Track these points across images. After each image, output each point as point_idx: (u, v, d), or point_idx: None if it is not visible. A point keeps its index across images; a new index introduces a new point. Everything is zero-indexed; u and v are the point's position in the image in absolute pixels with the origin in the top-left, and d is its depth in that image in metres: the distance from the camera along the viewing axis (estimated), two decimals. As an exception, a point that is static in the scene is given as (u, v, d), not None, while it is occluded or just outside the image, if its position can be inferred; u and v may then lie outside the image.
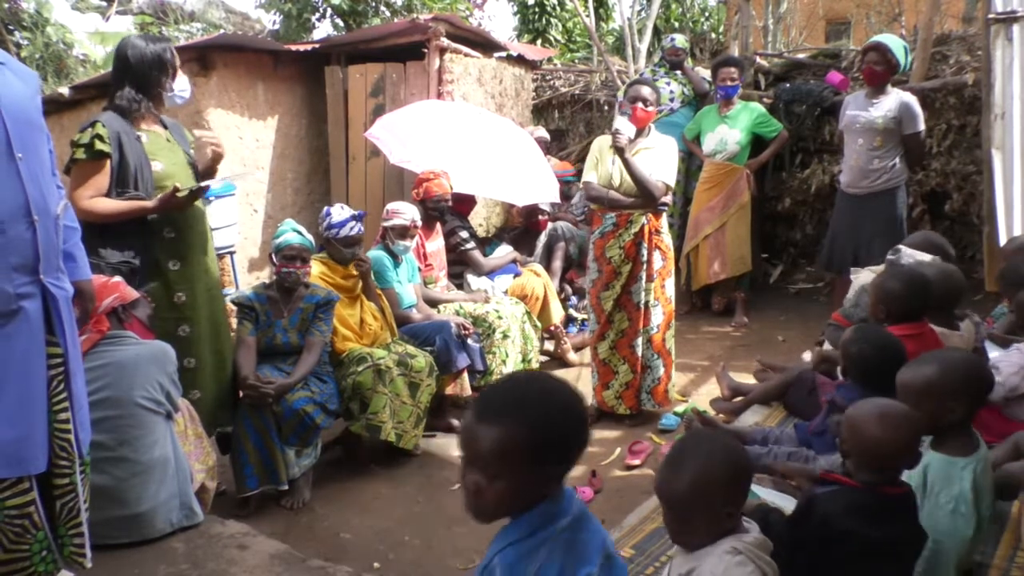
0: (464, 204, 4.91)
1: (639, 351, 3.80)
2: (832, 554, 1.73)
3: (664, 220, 3.81)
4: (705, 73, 5.92)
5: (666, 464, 1.61)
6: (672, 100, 5.83)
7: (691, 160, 5.84)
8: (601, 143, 3.79)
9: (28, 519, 1.95)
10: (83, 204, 2.69)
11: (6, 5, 10.04)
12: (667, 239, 3.82)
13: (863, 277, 3.52)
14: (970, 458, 1.92)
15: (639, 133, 3.68)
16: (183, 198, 2.78)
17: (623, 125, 3.53)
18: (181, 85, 2.96)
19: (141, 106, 2.84)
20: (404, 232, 3.90)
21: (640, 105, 3.63)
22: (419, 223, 3.98)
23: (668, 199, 3.79)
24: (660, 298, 3.81)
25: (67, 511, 2.06)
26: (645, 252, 3.71)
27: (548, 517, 1.31)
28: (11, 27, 10.33)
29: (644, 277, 3.74)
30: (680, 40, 6.01)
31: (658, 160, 3.66)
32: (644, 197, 3.64)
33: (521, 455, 1.26)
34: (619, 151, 3.53)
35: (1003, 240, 3.93)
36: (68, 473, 2.03)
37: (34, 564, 1.98)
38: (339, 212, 3.56)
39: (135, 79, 2.84)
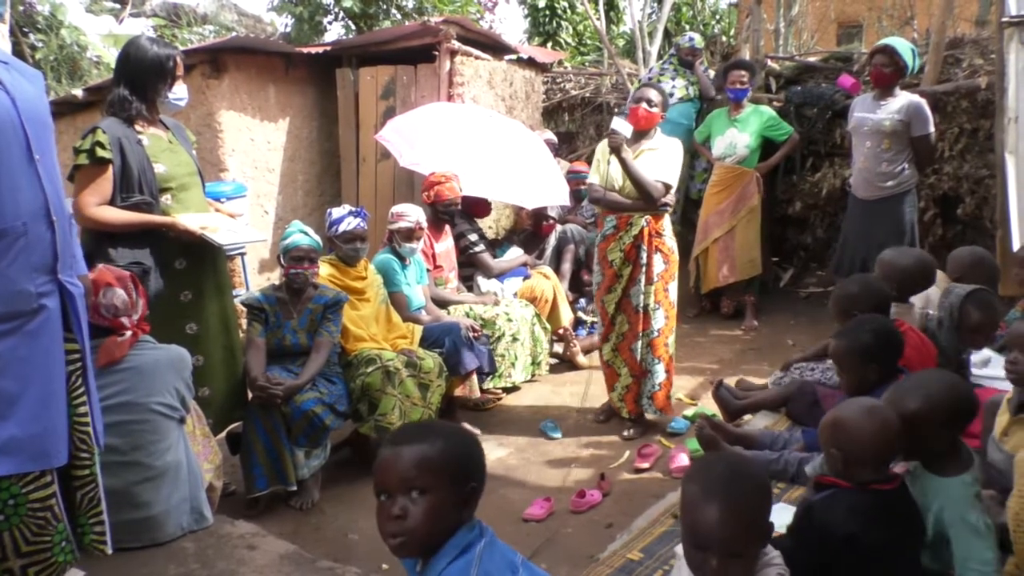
0: (478, 207, 4.91)
1: (638, 355, 3.74)
2: (837, 559, 1.72)
3: (667, 222, 3.75)
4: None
5: (713, 514, 1.40)
6: (671, 96, 5.84)
7: (696, 162, 5.82)
8: (604, 146, 3.76)
9: (50, 511, 1.98)
10: (89, 212, 2.69)
11: (21, 8, 10.13)
12: (670, 242, 3.74)
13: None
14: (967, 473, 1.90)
15: (643, 135, 3.67)
16: (191, 233, 2.82)
17: (619, 125, 3.50)
18: (179, 93, 2.94)
19: (132, 107, 2.82)
20: (410, 234, 3.90)
21: (644, 106, 3.61)
22: (424, 225, 3.99)
23: (670, 199, 3.70)
24: (662, 302, 3.73)
25: (88, 501, 2.11)
26: (644, 255, 3.66)
27: (469, 541, 1.38)
28: (26, 29, 10.42)
29: (643, 280, 3.68)
30: (699, 40, 6.07)
31: (661, 161, 3.63)
32: (643, 198, 3.61)
33: (444, 466, 1.36)
34: (615, 151, 3.51)
35: (1016, 245, 3.90)
36: (88, 464, 2.08)
37: (55, 555, 2.01)
38: (339, 210, 3.60)
39: (131, 80, 2.84)
